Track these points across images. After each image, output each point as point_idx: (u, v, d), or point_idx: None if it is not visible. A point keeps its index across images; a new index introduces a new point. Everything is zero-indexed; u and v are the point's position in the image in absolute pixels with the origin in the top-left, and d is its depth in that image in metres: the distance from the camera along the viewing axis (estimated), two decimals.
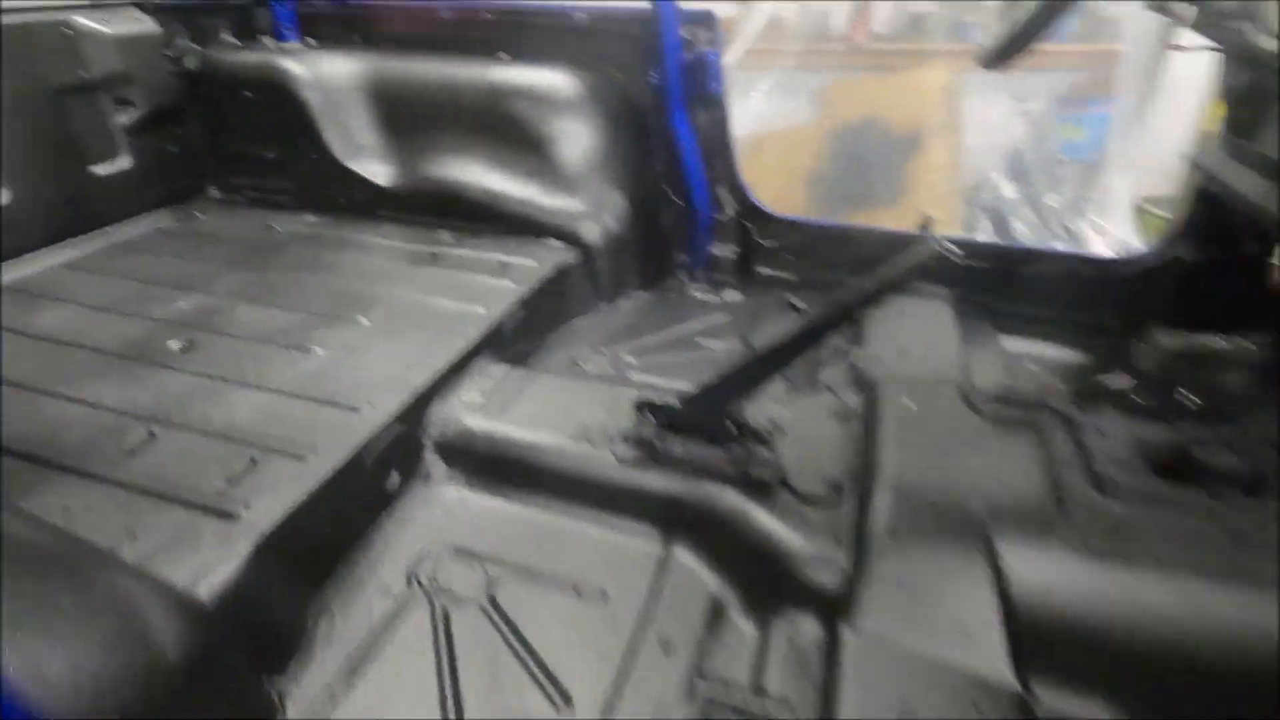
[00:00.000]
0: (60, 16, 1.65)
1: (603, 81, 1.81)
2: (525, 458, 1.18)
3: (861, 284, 0.95)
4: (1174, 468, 0.93)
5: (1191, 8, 1.12)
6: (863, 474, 1.05)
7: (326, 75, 1.89)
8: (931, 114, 3.53)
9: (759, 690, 0.88)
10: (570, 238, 1.77)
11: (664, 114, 1.77)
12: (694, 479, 1.09)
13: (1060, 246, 3.21)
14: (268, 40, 2.03)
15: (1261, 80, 1.18)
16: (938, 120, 3.54)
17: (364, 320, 1.42)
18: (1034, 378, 1.34)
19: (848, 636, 0.86)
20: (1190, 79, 2.94)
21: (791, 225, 1.92)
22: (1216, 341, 1.08)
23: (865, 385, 1.28)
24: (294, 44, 2.02)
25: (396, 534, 1.12)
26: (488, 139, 1.83)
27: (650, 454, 1.12)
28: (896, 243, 1.86)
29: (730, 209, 1.92)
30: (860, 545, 0.94)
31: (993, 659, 0.82)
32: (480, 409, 1.26)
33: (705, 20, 1.70)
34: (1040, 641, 0.84)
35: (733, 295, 1.90)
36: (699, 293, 1.92)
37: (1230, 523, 0.86)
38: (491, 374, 1.35)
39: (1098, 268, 1.69)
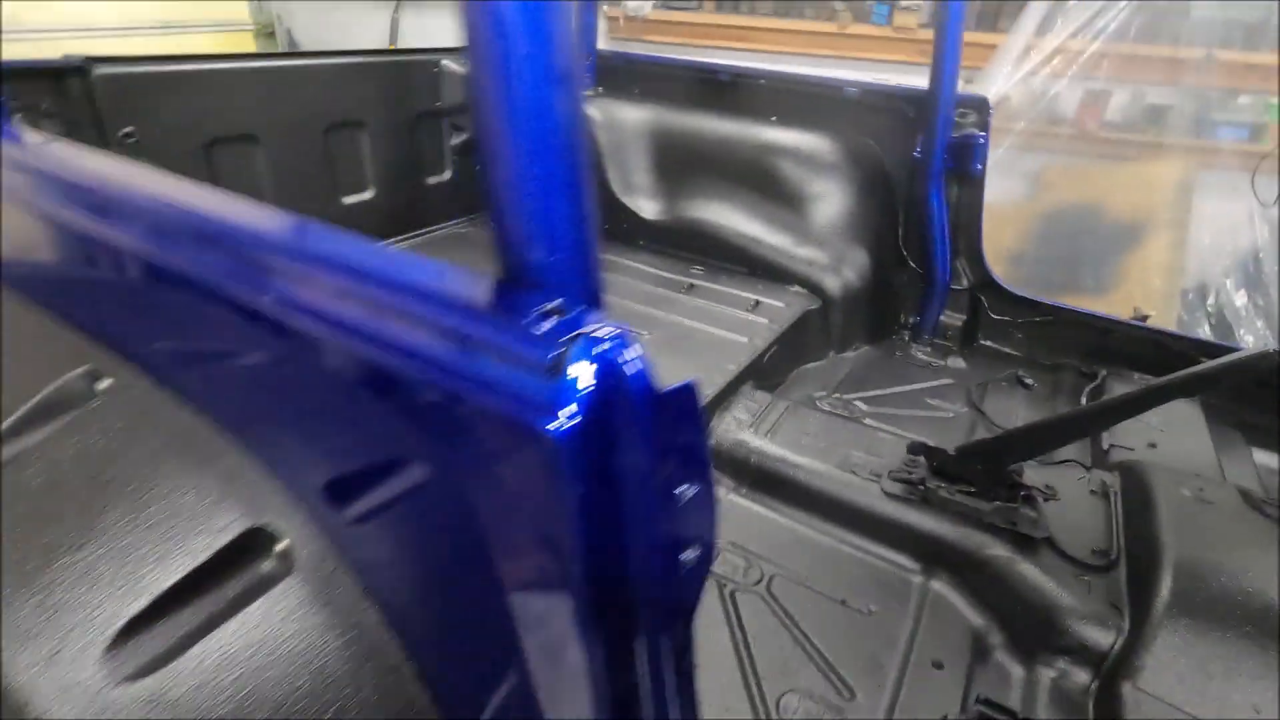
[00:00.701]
0: (433, 57, 2.06)
1: (863, 149, 1.97)
2: (794, 476, 1.33)
3: (1176, 377, 1.02)
4: None
5: None
6: (1141, 548, 1.10)
7: (616, 119, 2.20)
8: (1158, 208, 3.41)
9: (1031, 715, 0.96)
10: (814, 286, 1.93)
11: (921, 185, 1.89)
12: (959, 523, 1.19)
13: None
14: None
15: None
16: (1164, 215, 3.41)
17: (646, 334, 1.65)
18: None
19: (1128, 693, 0.93)
20: None
21: (1026, 303, 1.98)
22: None
23: (1124, 468, 1.32)
24: (589, 90, 2.36)
25: None
26: (749, 189, 2.04)
27: (919, 493, 1.23)
28: (1128, 331, 1.86)
29: (966, 279, 2.00)
30: (1143, 613, 1.00)
31: None
32: (751, 426, 1.43)
33: (979, 105, 1.83)
34: None
35: (956, 362, 1.98)
36: (922, 354, 2.01)
37: None
38: (757, 399, 1.52)
39: None
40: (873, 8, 3.35)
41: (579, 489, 0.40)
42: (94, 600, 0.51)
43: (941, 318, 2.05)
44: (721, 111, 2.13)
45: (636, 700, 0.48)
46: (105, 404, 0.61)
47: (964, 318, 2.03)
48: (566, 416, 0.39)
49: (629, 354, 0.41)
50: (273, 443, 0.59)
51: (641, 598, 0.46)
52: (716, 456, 1.40)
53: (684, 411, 0.43)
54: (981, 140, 1.83)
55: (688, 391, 0.43)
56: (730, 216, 2.07)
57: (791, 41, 3.45)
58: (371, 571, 0.56)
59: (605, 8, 4.07)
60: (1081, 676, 1.01)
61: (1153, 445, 1.46)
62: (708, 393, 1.40)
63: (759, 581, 1.18)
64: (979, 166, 1.85)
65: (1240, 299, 3.33)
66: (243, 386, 0.60)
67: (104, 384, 0.62)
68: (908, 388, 1.84)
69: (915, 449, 1.27)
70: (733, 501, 1.36)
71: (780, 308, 1.84)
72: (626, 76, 2.37)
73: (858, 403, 1.75)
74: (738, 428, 1.42)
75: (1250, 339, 3.29)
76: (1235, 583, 1.01)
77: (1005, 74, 3.21)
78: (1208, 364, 1.05)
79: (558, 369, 0.40)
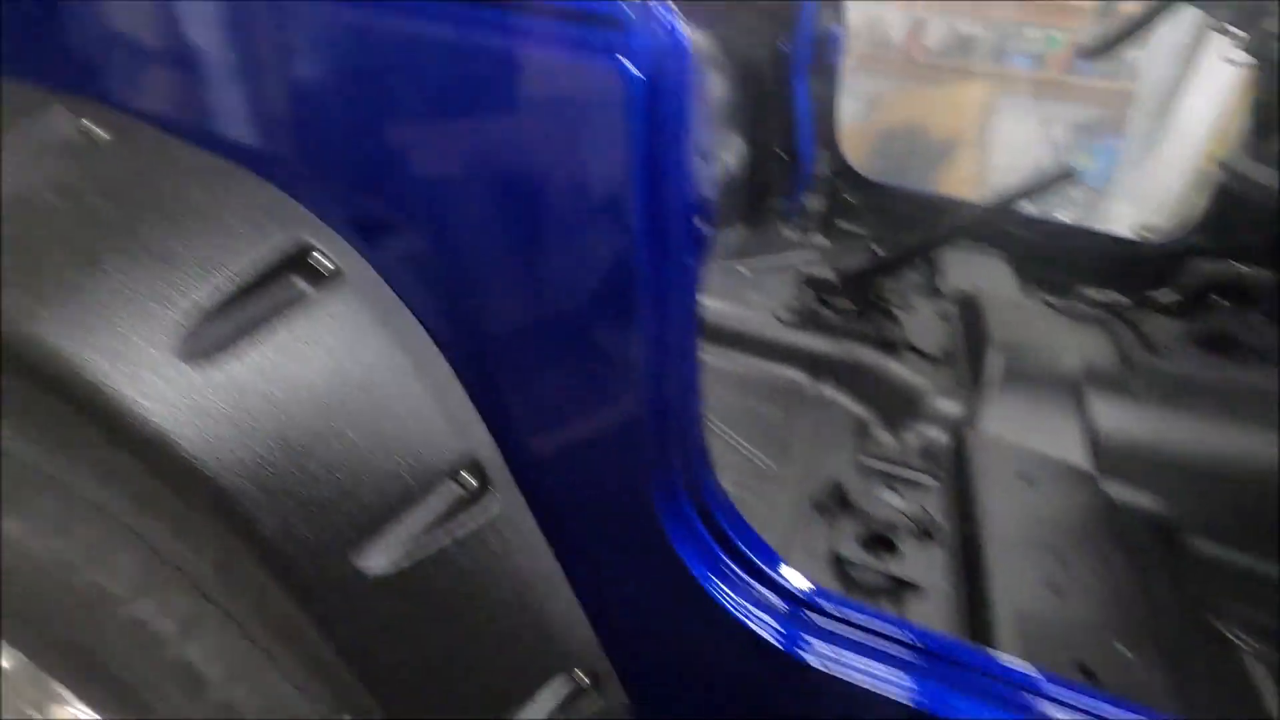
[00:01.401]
0: None
1: (734, 43, 2.13)
2: (701, 317, 1.49)
3: (992, 200, 1.27)
4: (1216, 342, 1.29)
5: (1242, 33, 1.49)
6: (976, 342, 1.38)
7: None
8: (966, 128, 3.94)
9: (905, 461, 1.21)
10: None
11: (787, 77, 2.09)
12: (840, 339, 1.42)
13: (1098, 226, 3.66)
14: None
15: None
16: (970, 135, 3.95)
17: None
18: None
19: (971, 437, 1.20)
20: (1196, 122, 3.38)
21: (875, 186, 2.27)
22: (1238, 268, 1.46)
23: (961, 297, 1.62)
24: None
25: None
26: None
27: (807, 319, 1.44)
28: (971, 211, 2.20)
29: (826, 167, 2.25)
30: (979, 387, 1.28)
31: (1076, 452, 1.16)
32: None
33: (836, 2, 2.03)
34: (1113, 453, 1.18)
35: (820, 240, 2.23)
36: (790, 236, 2.25)
37: (1252, 381, 1.22)
38: None
39: (1125, 246, 2.07)
40: None
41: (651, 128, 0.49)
42: (157, 290, 0.52)
43: (806, 202, 2.29)
44: None
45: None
46: (114, 148, 0.60)
47: (824, 201, 2.29)
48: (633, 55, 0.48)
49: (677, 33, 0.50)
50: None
51: (673, 271, 0.57)
52: None
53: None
54: (839, 34, 2.05)
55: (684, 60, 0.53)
56: None
57: None
58: (419, 292, 0.61)
59: None
60: (940, 436, 1.27)
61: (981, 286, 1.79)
62: None
63: None
64: (835, 59, 2.07)
65: (1028, 205, 3.96)
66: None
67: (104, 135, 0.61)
68: (783, 258, 2.06)
69: (806, 280, 1.47)
70: None
71: None
72: None
73: (740, 269, 1.95)
74: None
75: None
76: (1045, 356, 1.32)
77: None
78: (1025, 183, 1.32)
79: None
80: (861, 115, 3.93)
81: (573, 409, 0.62)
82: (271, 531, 0.54)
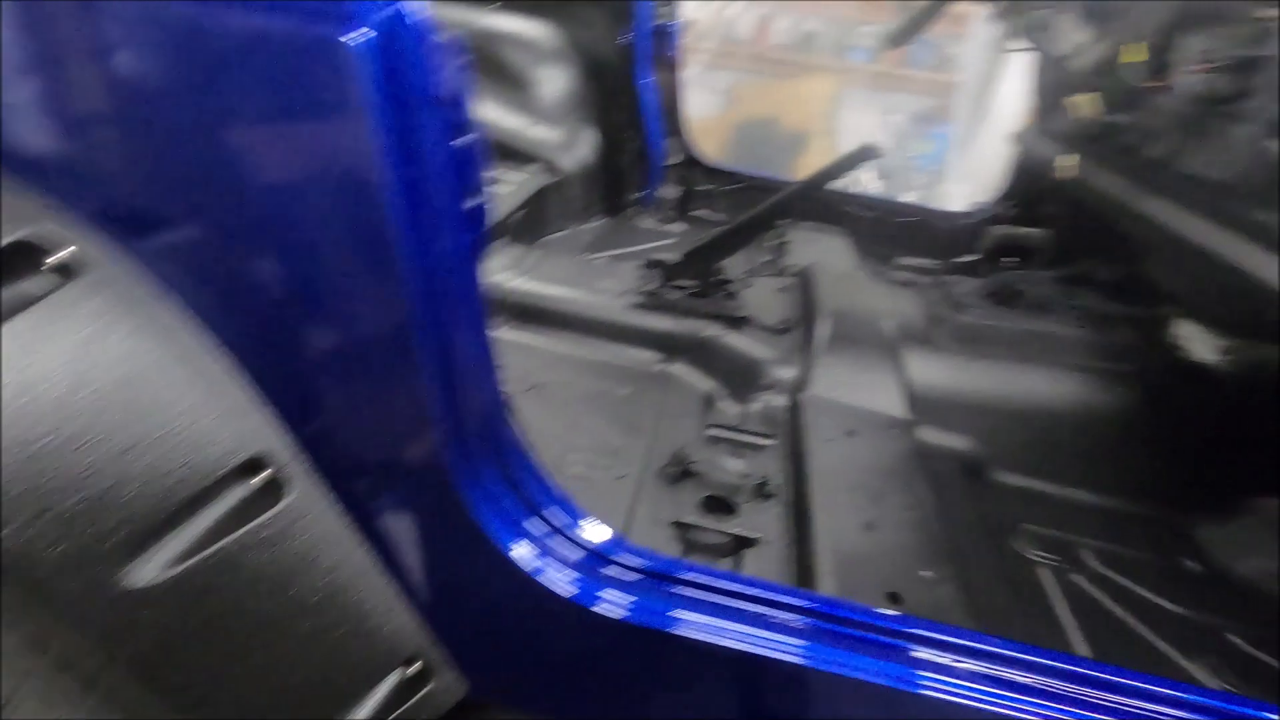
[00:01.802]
0: None
1: (581, 36, 2.15)
2: (550, 306, 1.51)
3: (810, 176, 1.37)
4: (1003, 297, 1.45)
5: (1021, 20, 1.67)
6: (807, 313, 1.48)
7: None
8: (816, 119, 4.18)
9: (745, 426, 1.27)
10: (550, 164, 2.10)
11: (631, 69, 2.14)
12: (686, 317, 1.48)
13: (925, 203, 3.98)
14: None
15: (1060, 78, 1.76)
16: (820, 125, 4.19)
17: None
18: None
19: (804, 399, 1.29)
20: (1009, 109, 3.76)
21: (723, 173, 2.36)
22: (1030, 231, 1.65)
23: (799, 272, 1.72)
24: None
25: None
26: (479, 76, 2.11)
27: (654, 301, 1.49)
28: (806, 190, 2.34)
29: (676, 156, 2.33)
30: (809, 352, 1.37)
31: (894, 403, 1.27)
32: (507, 270, 1.57)
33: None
34: (924, 401, 1.30)
35: (678, 227, 2.31)
36: (649, 224, 2.31)
37: (1032, 328, 1.39)
38: (512, 249, 1.65)
39: (949, 219, 2.27)
40: None
41: (380, 103, 0.49)
42: None
43: (661, 191, 2.35)
44: None
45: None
46: None
47: (679, 190, 2.36)
48: (363, 30, 0.48)
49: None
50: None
51: (443, 247, 0.58)
52: None
53: (452, 65, 0.55)
54: (674, 27, 2.12)
55: (453, 45, 0.55)
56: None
57: None
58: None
59: None
60: (779, 400, 1.35)
61: (817, 262, 1.91)
62: None
63: (529, 390, 1.34)
64: (673, 51, 2.15)
65: (877, 188, 4.26)
66: None
67: None
68: (640, 247, 2.11)
69: (649, 264, 1.52)
70: (497, 338, 1.49)
71: (519, 182, 1.97)
72: None
73: (598, 261, 1.98)
74: (493, 273, 1.55)
75: None
76: (866, 320, 1.43)
77: None
78: (833, 163, 1.43)
79: None
80: (719, 108, 4.08)
81: (361, 392, 0.61)
82: (15, 547, 0.50)
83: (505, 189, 1.89)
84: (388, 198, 0.52)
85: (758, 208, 1.39)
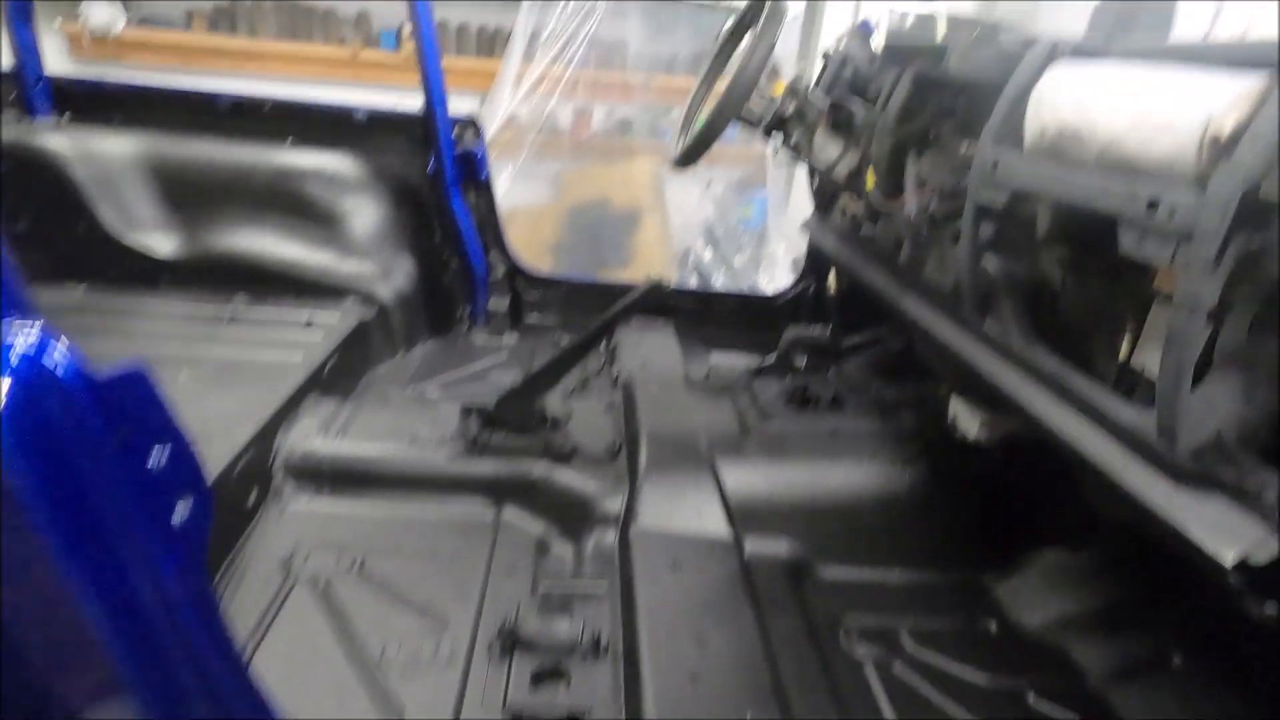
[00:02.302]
0: None
1: (387, 167, 2.15)
2: (368, 468, 1.45)
3: (608, 315, 1.43)
4: (800, 400, 1.57)
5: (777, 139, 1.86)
6: (630, 437, 1.52)
7: (96, 151, 1.95)
8: (644, 197, 4.39)
9: (579, 575, 1.28)
10: (367, 296, 2.05)
11: (442, 195, 2.16)
12: (512, 460, 1.47)
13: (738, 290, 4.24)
14: (12, 113, 2.00)
15: (827, 184, 1.97)
16: (649, 202, 4.40)
17: (181, 378, 1.55)
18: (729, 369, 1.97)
19: (633, 534, 1.31)
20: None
21: (548, 281, 2.42)
22: (813, 333, 1.80)
23: (623, 385, 1.78)
24: (47, 119, 2.02)
25: (262, 540, 1.31)
26: (280, 213, 2.04)
27: (476, 447, 1.48)
28: (604, 329, 2.43)
29: (501, 269, 2.35)
30: (633, 478, 1.41)
31: (719, 526, 1.33)
32: (320, 433, 1.50)
33: (470, 124, 2.15)
34: (744, 513, 1.37)
35: (510, 339, 2.32)
36: (482, 339, 2.31)
37: (834, 426, 1.51)
38: (325, 407, 1.59)
39: (762, 301, 2.45)
40: (380, 35, 3.54)
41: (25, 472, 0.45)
42: None
43: (490, 306, 2.36)
44: (231, 137, 2.07)
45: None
46: None
47: (507, 301, 2.38)
48: None
49: (52, 351, 0.47)
50: None
51: (143, 557, 0.54)
52: (288, 471, 1.43)
53: (135, 390, 0.53)
54: (480, 154, 2.17)
55: (133, 375, 0.52)
56: (265, 243, 2.04)
57: (302, 67, 3.43)
58: None
59: (61, 23, 3.43)
60: (610, 536, 1.37)
61: (644, 366, 1.98)
62: (264, 414, 1.42)
63: (351, 567, 1.28)
64: (484, 175, 2.19)
65: (708, 254, 4.52)
66: None
67: None
68: (473, 367, 2.10)
69: (464, 412, 1.51)
70: (313, 510, 1.41)
71: (335, 321, 1.91)
72: (101, 103, 2.10)
73: (429, 389, 1.94)
74: (306, 438, 1.48)
75: (720, 279, 4.51)
76: (685, 436, 1.49)
77: (508, 95, 3.73)
78: (628, 300, 1.50)
79: None
80: (551, 196, 4.19)
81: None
82: None
83: (316, 335, 1.82)
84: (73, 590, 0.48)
85: (562, 349, 1.43)
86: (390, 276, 2.11)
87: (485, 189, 2.24)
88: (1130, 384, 1.07)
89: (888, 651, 1.23)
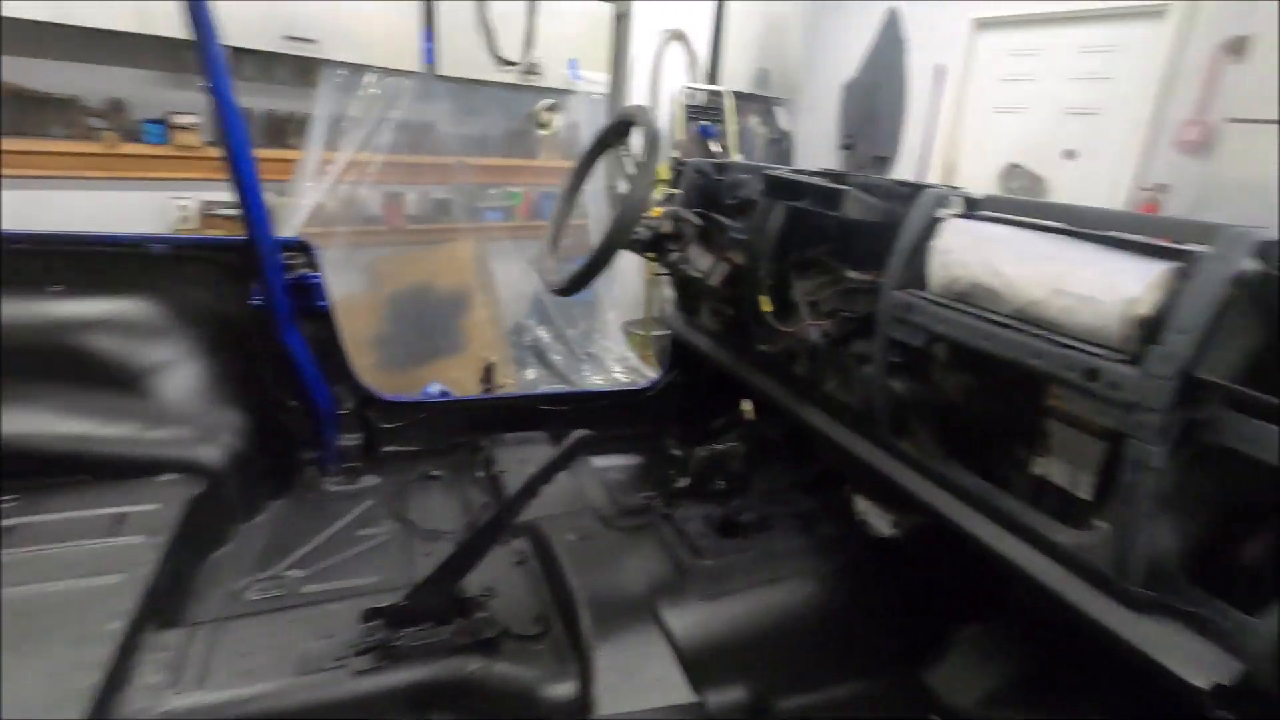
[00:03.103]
0: None
1: (200, 305, 1.80)
2: (253, 713, 1.16)
3: (536, 472, 1.29)
4: (727, 528, 1.55)
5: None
6: (562, 602, 1.39)
7: None
8: (471, 277, 4.21)
9: None
10: (189, 466, 1.68)
11: (273, 329, 1.85)
12: (434, 660, 1.27)
13: (605, 385, 4.24)
14: None
15: (692, 288, 2.01)
16: (477, 281, 4.23)
17: None
18: (630, 490, 1.90)
19: None
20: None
21: (406, 406, 2.18)
22: (722, 448, 1.81)
23: (530, 530, 1.63)
24: None
25: None
26: (58, 379, 1.61)
27: (388, 655, 1.25)
28: (485, 402, 2.28)
29: (349, 402, 2.08)
30: (581, 656, 1.28)
31: (681, 691, 1.25)
32: (173, 687, 1.17)
33: (303, 248, 1.89)
34: (698, 663, 1.31)
35: (370, 479, 2.04)
36: (335, 486, 2.00)
37: (765, 550, 1.51)
38: (168, 644, 1.25)
39: (633, 395, 2.43)
40: (143, 126, 3.02)
41: None
42: None
43: (340, 443, 2.07)
44: None
45: None
46: None
47: (360, 436, 2.10)
48: None
49: None
50: None
51: None
52: None
53: None
54: (316, 280, 1.90)
55: None
56: (40, 421, 1.59)
57: (43, 164, 2.81)
58: None
59: None
60: None
61: (542, 502, 1.84)
62: (84, 684, 1.07)
63: None
64: (322, 303, 1.93)
65: (542, 332, 4.44)
66: None
67: None
68: (334, 528, 1.80)
69: (368, 615, 1.27)
70: None
71: (155, 510, 1.53)
72: None
73: (290, 573, 1.63)
74: (157, 697, 1.15)
75: (557, 357, 4.44)
76: (621, 590, 1.39)
77: (312, 185, 3.38)
78: (554, 457, 1.38)
79: None
80: (367, 286, 3.85)
81: None
82: None
83: (134, 536, 1.44)
84: None
85: (482, 523, 1.27)
86: (216, 436, 1.75)
87: (324, 318, 1.96)
88: (1040, 491, 1.18)
89: None
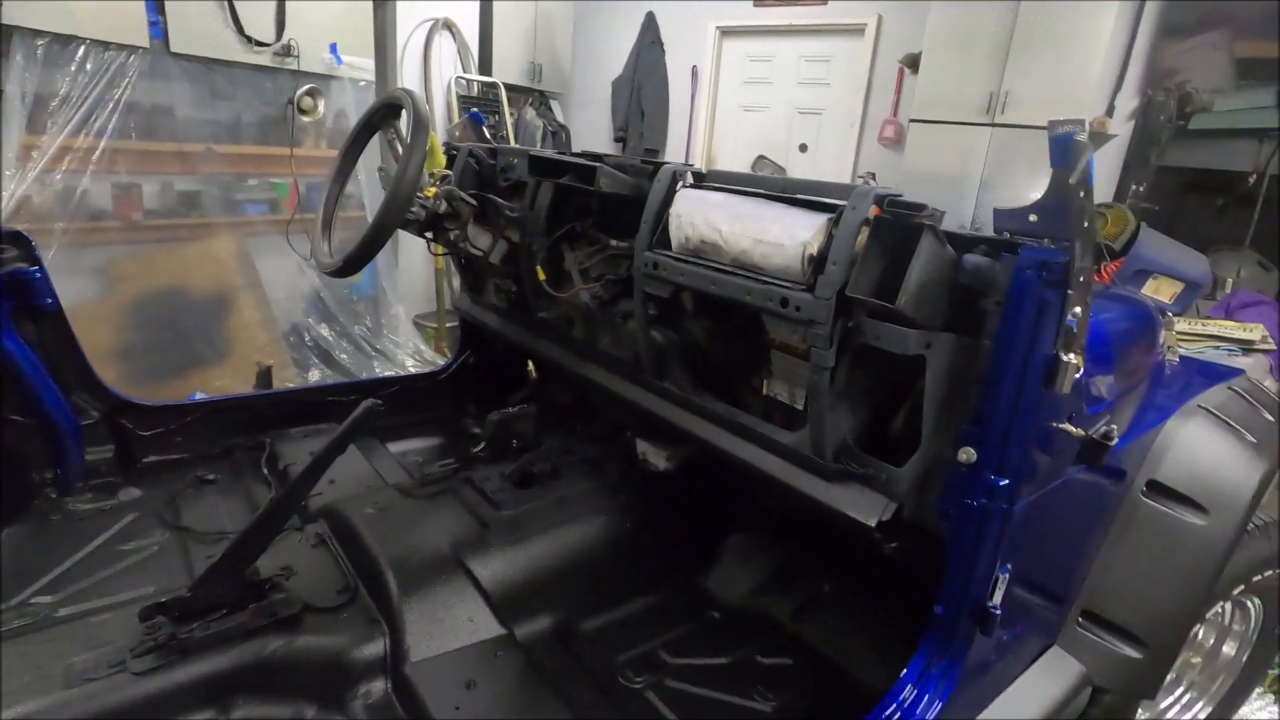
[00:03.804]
0: None
1: None
2: None
3: (323, 448, 1.31)
4: (523, 480, 1.68)
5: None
6: (366, 570, 1.42)
7: None
8: (233, 277, 3.85)
9: None
10: None
11: None
12: (230, 646, 1.24)
13: (391, 373, 4.11)
14: None
15: (476, 267, 2.09)
16: (240, 281, 3.88)
17: None
18: (429, 465, 1.95)
19: (409, 671, 1.26)
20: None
21: (168, 410, 2.01)
22: (514, 411, 1.93)
23: (327, 513, 1.62)
24: None
25: None
26: None
27: (176, 649, 1.20)
28: (262, 399, 2.16)
29: (96, 411, 1.86)
30: (389, 613, 1.33)
31: (490, 626, 1.36)
32: None
33: (18, 239, 1.66)
34: (506, 602, 1.43)
35: (130, 492, 1.86)
36: (85, 505, 1.79)
37: (558, 495, 1.66)
38: None
39: (427, 378, 2.45)
40: None
41: None
42: None
43: (88, 458, 1.85)
44: None
45: None
46: None
47: (112, 448, 1.90)
48: None
49: None
50: None
51: None
52: None
53: None
54: (35, 274, 1.68)
55: None
56: None
57: None
58: None
59: None
60: (380, 685, 1.27)
61: (332, 481, 1.82)
62: None
63: None
64: (48, 301, 1.71)
65: (324, 330, 4.19)
66: None
67: None
68: (89, 548, 1.63)
69: (147, 613, 1.21)
70: None
71: None
72: None
73: (38, 599, 1.45)
74: None
75: (345, 356, 4.22)
76: (426, 550, 1.46)
77: (12, 174, 2.88)
78: (343, 428, 1.40)
79: None
80: (102, 291, 3.36)
81: None
82: None
83: None
84: None
85: (270, 503, 1.26)
86: None
87: (53, 317, 1.74)
88: (771, 408, 1.47)
89: (655, 672, 1.44)
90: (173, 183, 3.57)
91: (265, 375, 3.54)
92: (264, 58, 3.64)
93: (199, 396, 2.15)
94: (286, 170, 3.92)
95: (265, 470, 1.98)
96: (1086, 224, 0.90)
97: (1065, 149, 0.87)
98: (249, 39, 3.53)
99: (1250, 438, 1.49)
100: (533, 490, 1.69)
